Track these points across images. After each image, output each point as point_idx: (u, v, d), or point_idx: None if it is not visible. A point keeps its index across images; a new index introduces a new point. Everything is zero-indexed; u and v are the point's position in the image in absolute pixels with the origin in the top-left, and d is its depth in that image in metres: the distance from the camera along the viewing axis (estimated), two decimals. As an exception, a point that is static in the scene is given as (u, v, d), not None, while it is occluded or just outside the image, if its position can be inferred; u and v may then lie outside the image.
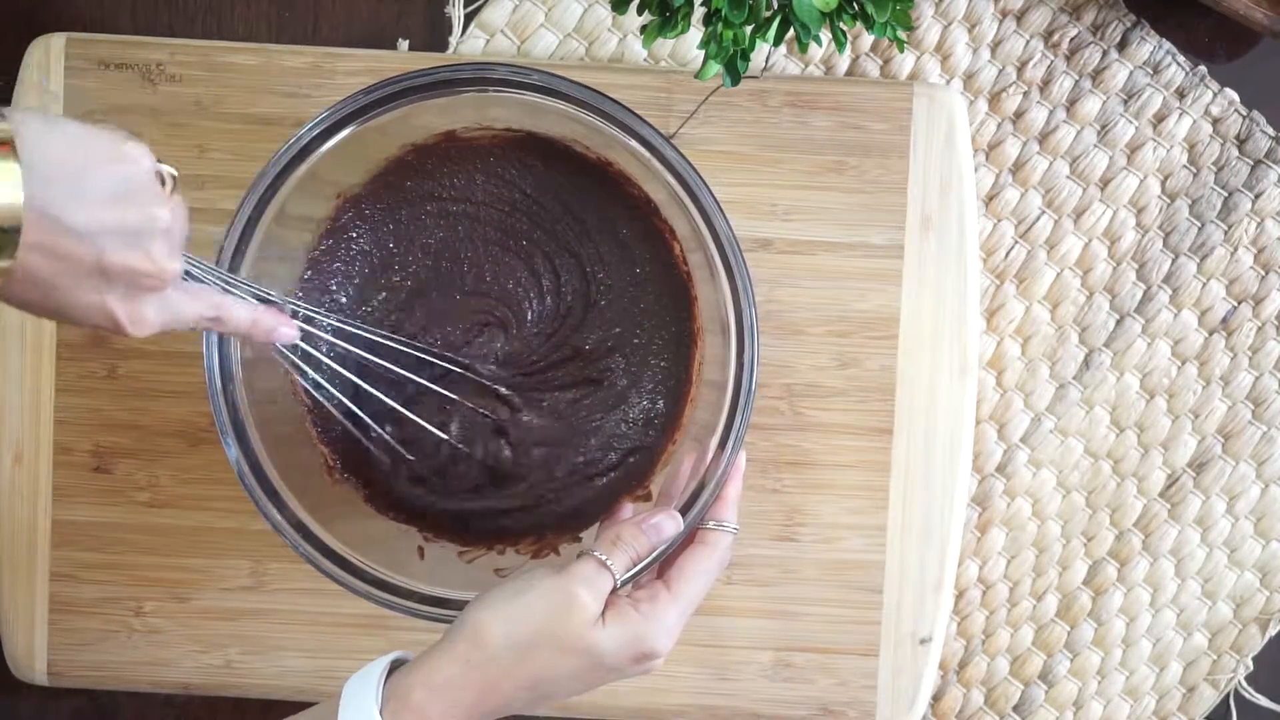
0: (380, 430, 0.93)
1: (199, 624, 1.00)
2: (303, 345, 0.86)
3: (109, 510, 1.00)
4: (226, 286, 0.80)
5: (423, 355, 0.93)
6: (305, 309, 0.88)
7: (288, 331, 0.83)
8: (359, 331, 0.92)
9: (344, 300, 0.95)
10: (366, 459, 0.95)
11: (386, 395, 0.91)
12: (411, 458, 0.94)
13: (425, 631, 0.84)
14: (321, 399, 0.90)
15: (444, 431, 0.94)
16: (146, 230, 0.70)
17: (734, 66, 0.82)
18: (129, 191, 0.69)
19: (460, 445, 0.94)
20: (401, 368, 0.91)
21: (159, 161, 0.72)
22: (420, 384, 0.92)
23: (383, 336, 0.92)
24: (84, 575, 1.00)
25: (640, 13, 0.82)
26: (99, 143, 0.69)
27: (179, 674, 1.00)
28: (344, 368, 0.92)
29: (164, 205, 0.71)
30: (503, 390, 0.95)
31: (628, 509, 0.91)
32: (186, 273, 0.77)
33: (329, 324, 0.91)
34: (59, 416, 1.00)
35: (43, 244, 0.67)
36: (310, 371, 0.89)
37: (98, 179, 0.68)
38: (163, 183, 0.72)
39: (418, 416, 0.92)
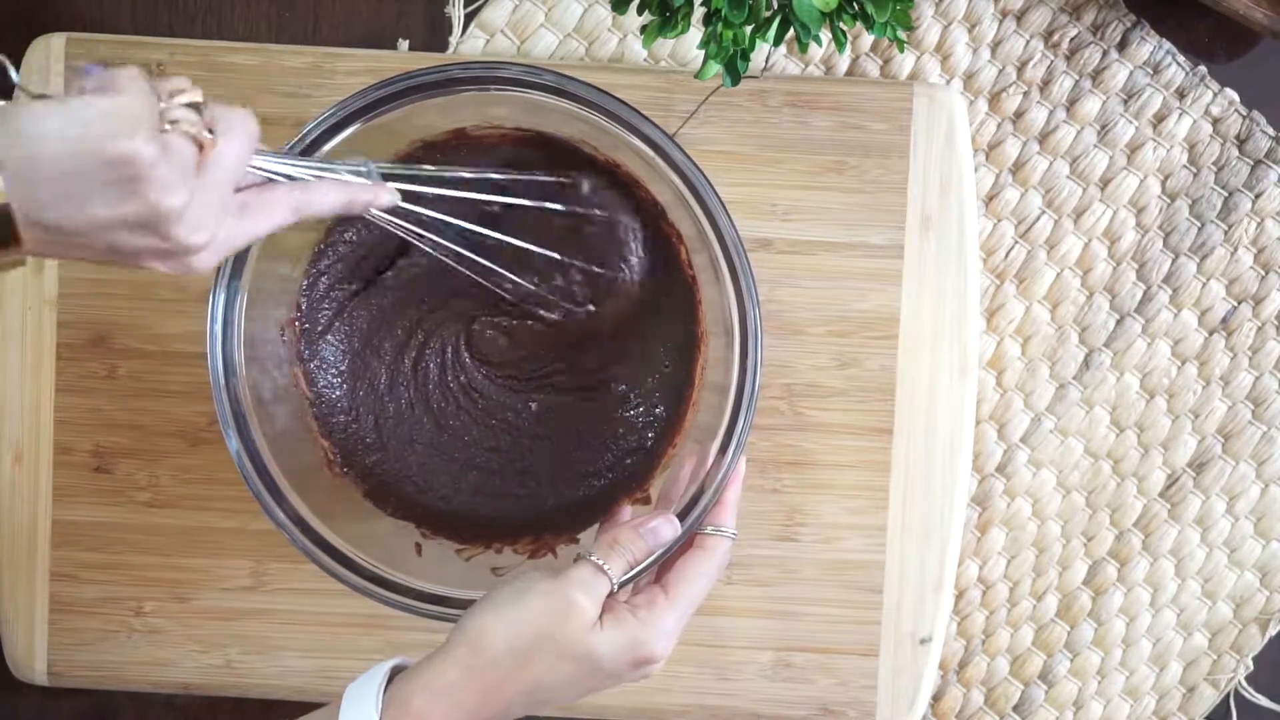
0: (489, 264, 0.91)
1: (199, 624, 1.00)
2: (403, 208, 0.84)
3: (109, 510, 1.00)
4: (306, 174, 0.76)
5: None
6: (393, 170, 0.85)
7: (387, 198, 0.81)
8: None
9: (350, 295, 0.95)
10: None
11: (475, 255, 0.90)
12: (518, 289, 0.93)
13: (424, 631, 0.84)
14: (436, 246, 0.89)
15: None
16: (153, 220, 0.67)
17: (734, 66, 0.82)
18: (128, 189, 0.66)
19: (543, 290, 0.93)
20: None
21: (199, 113, 0.68)
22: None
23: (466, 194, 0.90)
24: (84, 575, 1.00)
25: (640, 13, 0.82)
26: (93, 145, 0.65)
27: (179, 674, 1.00)
28: (436, 229, 0.88)
29: (177, 191, 0.67)
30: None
31: (626, 511, 0.91)
32: (263, 174, 0.74)
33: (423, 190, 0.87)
34: (59, 416, 1.00)
35: (40, 240, 0.66)
36: (415, 229, 0.87)
37: (93, 184, 0.65)
38: (200, 146, 0.69)
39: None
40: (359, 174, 0.82)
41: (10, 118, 0.64)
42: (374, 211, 0.82)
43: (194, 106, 0.70)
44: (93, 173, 0.65)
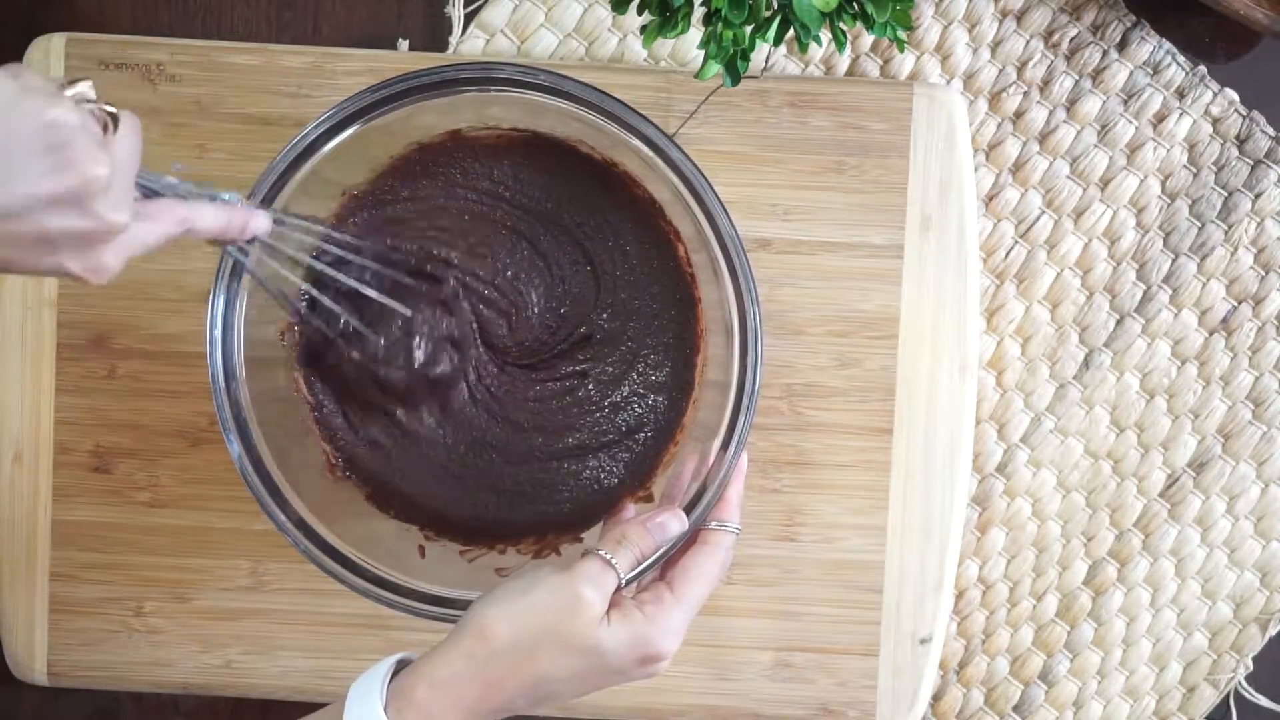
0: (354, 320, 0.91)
1: (199, 624, 1.00)
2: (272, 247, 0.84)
3: (109, 510, 1.00)
4: (186, 195, 0.77)
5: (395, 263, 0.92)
6: (280, 215, 0.85)
7: (262, 222, 0.81)
8: (332, 242, 0.90)
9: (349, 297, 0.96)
10: (363, 451, 0.94)
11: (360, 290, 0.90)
12: (379, 338, 0.93)
13: (426, 631, 0.84)
14: (315, 292, 0.89)
15: (413, 330, 0.93)
16: (86, 193, 0.67)
17: (734, 66, 0.82)
18: (62, 158, 0.66)
19: (424, 332, 0.93)
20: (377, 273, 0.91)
21: (95, 100, 0.69)
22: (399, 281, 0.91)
23: (354, 237, 0.91)
24: (84, 575, 1.00)
25: (640, 13, 0.83)
26: (22, 115, 0.65)
27: (179, 674, 1.00)
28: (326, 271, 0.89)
29: (102, 160, 0.68)
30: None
31: (630, 509, 0.91)
32: (144, 189, 0.75)
33: (306, 228, 0.88)
34: (59, 416, 1.00)
35: None
36: (291, 278, 0.87)
37: (24, 155, 0.65)
38: (105, 127, 0.69)
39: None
40: (227, 203, 0.81)
41: None
42: (257, 240, 0.82)
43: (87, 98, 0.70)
44: (24, 141, 0.65)
